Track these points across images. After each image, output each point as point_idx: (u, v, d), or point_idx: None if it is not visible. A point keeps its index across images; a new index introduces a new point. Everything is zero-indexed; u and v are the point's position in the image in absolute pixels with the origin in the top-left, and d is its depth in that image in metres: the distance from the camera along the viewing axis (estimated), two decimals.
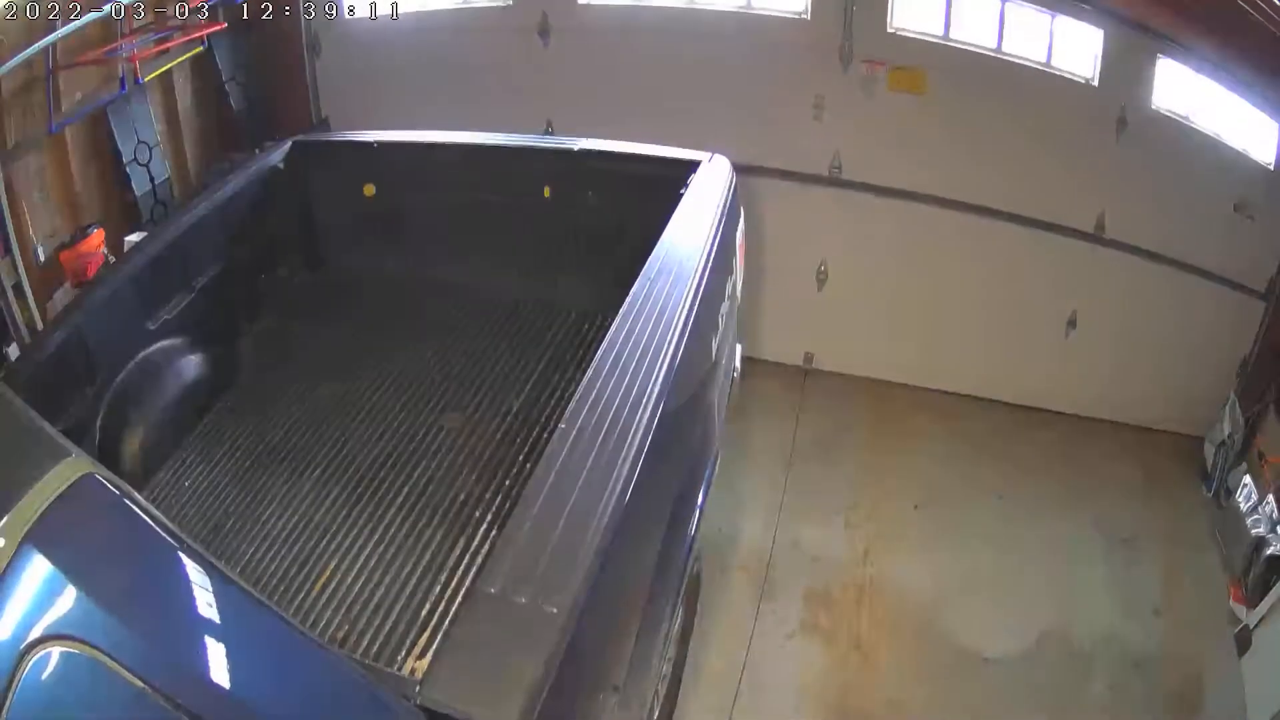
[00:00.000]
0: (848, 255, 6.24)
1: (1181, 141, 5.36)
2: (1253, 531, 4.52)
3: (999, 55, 5.61)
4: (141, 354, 3.42)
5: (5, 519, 1.33)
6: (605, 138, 4.17)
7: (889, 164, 5.93)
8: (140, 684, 1.36)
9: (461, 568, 2.87)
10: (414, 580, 2.83)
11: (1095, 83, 5.46)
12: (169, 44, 5.24)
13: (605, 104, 5.95)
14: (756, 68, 5.87)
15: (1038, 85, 5.57)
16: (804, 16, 5.80)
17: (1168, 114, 5.38)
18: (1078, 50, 5.48)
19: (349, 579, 2.84)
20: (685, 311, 3.05)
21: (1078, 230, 5.78)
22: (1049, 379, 6.14)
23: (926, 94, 5.69)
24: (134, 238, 5.01)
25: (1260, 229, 5.30)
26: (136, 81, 5.05)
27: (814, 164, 6.04)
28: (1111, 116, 5.43)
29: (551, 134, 5.87)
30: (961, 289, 6.11)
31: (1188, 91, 5.32)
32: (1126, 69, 5.35)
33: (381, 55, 6.16)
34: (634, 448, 2.49)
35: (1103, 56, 5.38)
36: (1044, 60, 5.56)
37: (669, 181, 3.83)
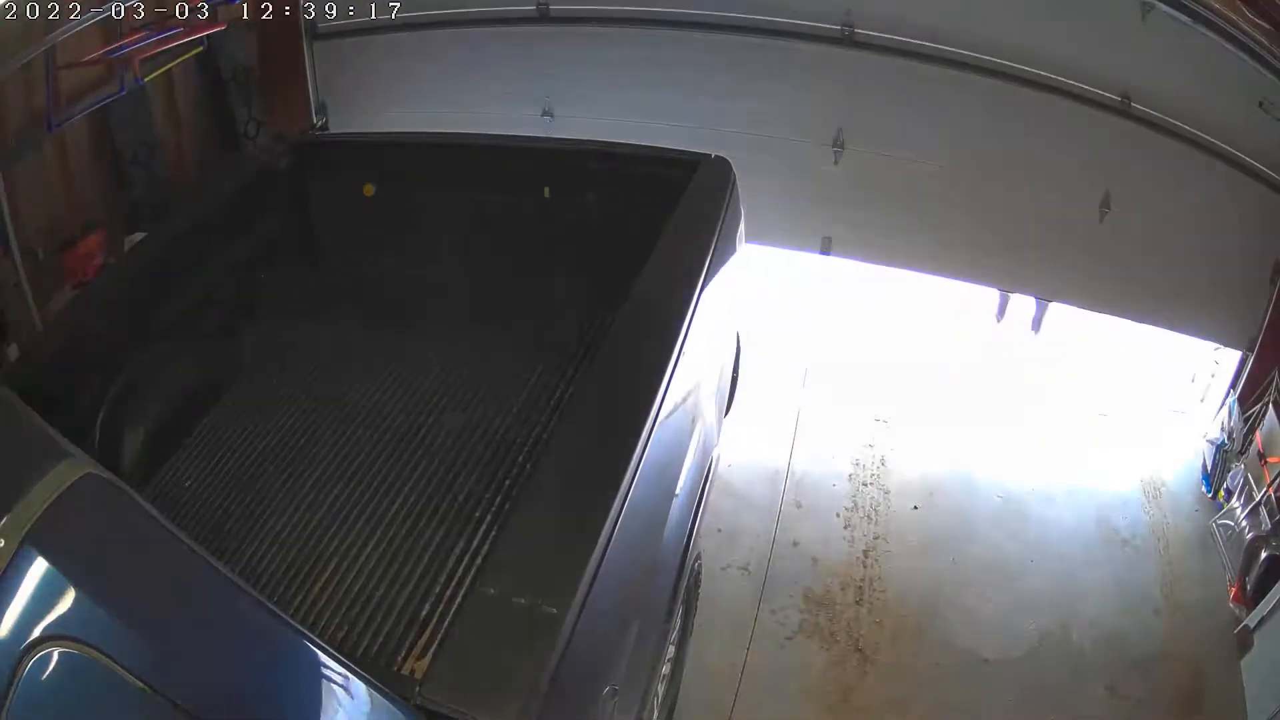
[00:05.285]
0: (866, 123, 5.82)
1: (1209, 31, 5.12)
2: (1252, 532, 4.52)
3: None
4: (141, 354, 3.42)
5: (5, 519, 1.33)
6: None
7: (905, 21, 5.56)
8: (140, 684, 1.37)
9: (461, 568, 2.87)
10: (414, 580, 2.83)
11: None
12: (169, 44, 5.24)
13: None
14: None
15: None
16: None
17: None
18: None
19: (349, 579, 2.84)
20: (685, 311, 3.06)
21: (1106, 106, 5.48)
22: (1081, 272, 5.84)
23: None
24: (134, 238, 5.02)
25: None
26: (136, 81, 5.04)
27: (824, 21, 5.63)
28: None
29: (548, 8, 5.71)
30: (989, 160, 5.74)
31: None
32: None
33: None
34: (634, 447, 2.49)
35: None
36: None
37: (669, 181, 3.84)
